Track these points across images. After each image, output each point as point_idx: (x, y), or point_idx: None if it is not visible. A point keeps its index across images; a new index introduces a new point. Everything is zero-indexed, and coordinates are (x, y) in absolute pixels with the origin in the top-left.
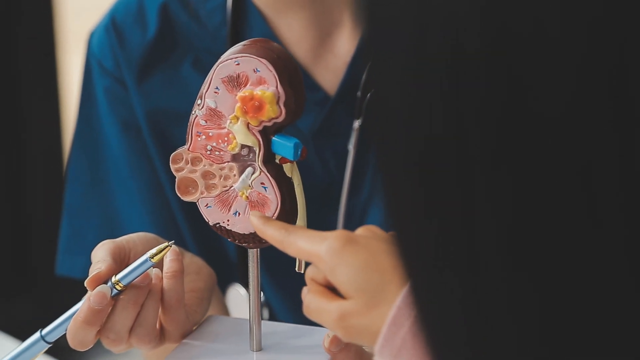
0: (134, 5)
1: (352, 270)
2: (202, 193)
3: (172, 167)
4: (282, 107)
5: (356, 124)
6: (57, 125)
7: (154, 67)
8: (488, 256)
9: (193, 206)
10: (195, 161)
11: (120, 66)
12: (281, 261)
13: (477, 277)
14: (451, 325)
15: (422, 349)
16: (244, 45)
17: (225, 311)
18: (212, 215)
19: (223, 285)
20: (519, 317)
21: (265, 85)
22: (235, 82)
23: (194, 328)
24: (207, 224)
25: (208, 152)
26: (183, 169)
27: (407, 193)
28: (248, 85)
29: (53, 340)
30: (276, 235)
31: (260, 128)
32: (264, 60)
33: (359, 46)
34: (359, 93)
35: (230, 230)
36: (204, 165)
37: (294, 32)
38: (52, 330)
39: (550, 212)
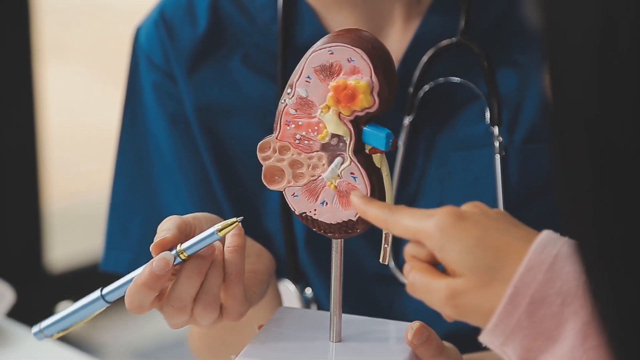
0: (183, 0)
1: (464, 247)
2: (288, 182)
3: (259, 155)
4: (376, 96)
5: (406, 120)
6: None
7: (204, 61)
8: None
9: (241, 201)
10: (283, 150)
11: (169, 60)
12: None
13: None
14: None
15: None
16: (337, 34)
17: (280, 300)
18: (298, 204)
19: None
20: None
21: (359, 74)
22: (327, 71)
23: (250, 311)
24: (256, 219)
25: (297, 141)
26: (270, 158)
27: (589, 199)
28: (341, 74)
29: (112, 301)
30: (379, 214)
31: (351, 118)
32: (358, 50)
33: (412, 42)
34: (410, 89)
35: (317, 219)
36: (292, 154)
37: (345, 27)
38: (112, 290)
39: None
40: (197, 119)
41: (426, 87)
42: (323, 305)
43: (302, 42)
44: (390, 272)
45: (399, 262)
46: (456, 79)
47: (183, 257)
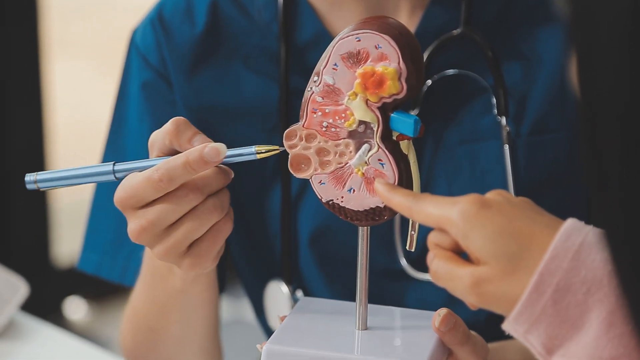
0: (182, 1)
1: (488, 235)
2: (315, 170)
3: (286, 143)
4: (404, 83)
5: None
6: (39, 126)
7: (203, 63)
8: None
9: (240, 204)
10: (309, 138)
11: (165, 62)
12: (332, 254)
13: None
14: None
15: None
16: (364, 21)
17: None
18: (325, 192)
19: (263, 281)
20: None
21: (387, 61)
22: (355, 58)
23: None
24: (255, 221)
25: (324, 129)
26: (297, 146)
27: (618, 188)
28: (368, 61)
29: (120, 178)
30: (404, 201)
31: (379, 104)
32: (386, 37)
33: (415, 35)
34: (421, 89)
35: (344, 207)
36: (319, 142)
37: (347, 26)
38: (125, 169)
39: None
40: (196, 121)
41: (429, 82)
42: None
43: (302, 42)
44: (399, 267)
45: (410, 257)
46: (460, 71)
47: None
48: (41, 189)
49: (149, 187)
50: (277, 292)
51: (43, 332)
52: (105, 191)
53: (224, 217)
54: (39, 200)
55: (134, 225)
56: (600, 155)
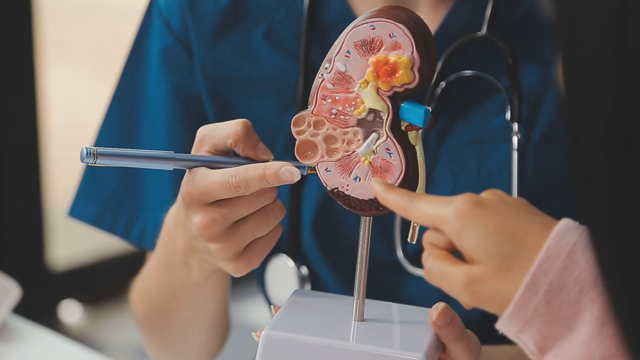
0: None
1: (483, 234)
2: (322, 157)
3: (294, 129)
4: (417, 73)
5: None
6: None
7: (225, 34)
8: None
9: None
10: (318, 124)
11: (187, 30)
12: (334, 241)
13: None
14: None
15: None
16: (379, 10)
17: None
18: (331, 179)
19: (268, 255)
20: None
21: (401, 50)
22: (368, 46)
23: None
24: None
25: (332, 116)
26: (304, 132)
27: (603, 191)
28: (382, 49)
29: (180, 167)
30: (399, 201)
31: (390, 93)
32: (401, 26)
33: (438, 32)
34: (432, 81)
35: (349, 195)
36: (327, 129)
37: (371, 8)
38: (186, 158)
39: None
40: (212, 91)
41: (443, 83)
42: (323, 284)
43: (327, 21)
44: (397, 260)
45: (407, 251)
46: (478, 73)
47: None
48: (97, 164)
49: (224, 190)
50: (283, 267)
51: (36, 336)
52: (105, 140)
53: None
54: (34, 203)
55: (204, 218)
56: (585, 156)
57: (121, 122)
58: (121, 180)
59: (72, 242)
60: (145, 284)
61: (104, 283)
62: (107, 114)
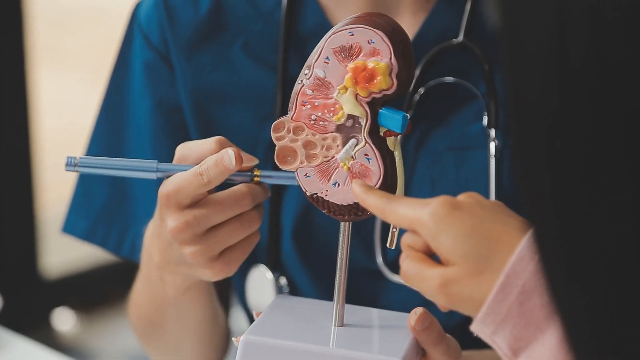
0: None
1: (458, 236)
2: (301, 162)
3: (273, 135)
4: (395, 79)
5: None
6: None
7: (203, 46)
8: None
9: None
10: (297, 130)
11: (167, 43)
12: (314, 249)
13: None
14: (584, 298)
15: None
16: (358, 17)
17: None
18: (310, 185)
19: (246, 266)
20: None
21: (379, 56)
22: (347, 52)
23: None
24: None
25: (312, 122)
26: (284, 138)
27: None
28: (360, 56)
29: (161, 177)
30: (378, 203)
31: (368, 99)
32: (379, 32)
33: (416, 39)
34: (410, 87)
35: (328, 200)
36: (306, 135)
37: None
38: (168, 168)
39: None
40: (192, 103)
41: (422, 90)
42: (302, 295)
43: (304, 32)
44: (376, 267)
45: (387, 258)
46: (456, 80)
47: (256, 180)
48: (79, 172)
49: (193, 181)
50: (262, 278)
51: (19, 345)
52: (95, 153)
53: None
54: (26, 211)
55: (177, 221)
56: (531, 168)
57: (109, 135)
58: (112, 194)
59: (64, 250)
60: (135, 299)
61: (97, 291)
62: (95, 127)
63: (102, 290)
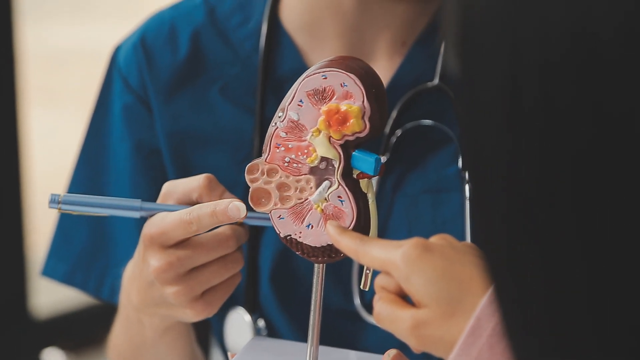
0: (166, 26)
1: (429, 279)
2: (275, 204)
3: (247, 177)
4: (367, 122)
5: (382, 159)
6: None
7: (181, 89)
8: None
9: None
10: (271, 172)
11: (145, 86)
12: (291, 291)
13: (561, 285)
14: (536, 332)
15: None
16: (331, 60)
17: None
18: (284, 226)
19: (225, 307)
20: (603, 322)
21: (352, 99)
22: (320, 95)
23: None
24: None
25: (286, 164)
26: (258, 180)
27: (503, 234)
28: (333, 99)
29: (146, 216)
30: (351, 244)
31: (342, 142)
32: (352, 75)
33: (392, 83)
34: (387, 129)
35: (301, 242)
36: (280, 177)
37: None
38: (152, 207)
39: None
40: (170, 146)
41: (399, 132)
42: (280, 337)
43: (281, 75)
44: (353, 308)
45: (364, 300)
46: (432, 122)
47: (238, 221)
48: (62, 211)
49: (179, 227)
50: (240, 321)
51: None
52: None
53: None
54: (16, 251)
55: (161, 261)
56: (487, 216)
57: (89, 178)
58: (91, 237)
59: (54, 290)
60: (114, 340)
61: (86, 331)
62: (75, 170)
63: (92, 331)
